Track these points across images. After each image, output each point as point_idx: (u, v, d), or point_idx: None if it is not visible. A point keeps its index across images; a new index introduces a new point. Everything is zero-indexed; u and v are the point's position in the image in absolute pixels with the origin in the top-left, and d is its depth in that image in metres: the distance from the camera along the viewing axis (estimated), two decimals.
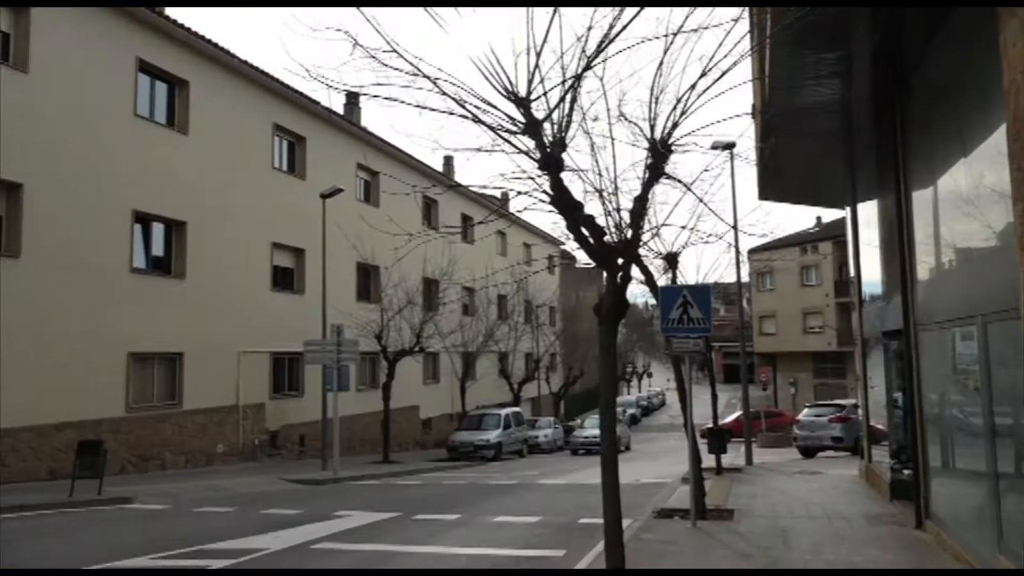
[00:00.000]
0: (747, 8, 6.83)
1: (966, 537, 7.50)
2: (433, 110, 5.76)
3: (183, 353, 19.50)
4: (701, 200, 8.78)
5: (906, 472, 10.52)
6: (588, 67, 5.74)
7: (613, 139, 7.06)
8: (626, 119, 7.06)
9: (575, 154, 11.90)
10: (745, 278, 34.61)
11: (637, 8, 5.57)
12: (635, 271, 10.33)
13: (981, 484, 6.72)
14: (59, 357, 16.01)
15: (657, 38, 5.94)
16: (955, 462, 8.15)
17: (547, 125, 5.82)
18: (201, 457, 19.98)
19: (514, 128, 5.78)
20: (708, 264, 56.72)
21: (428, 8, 5.33)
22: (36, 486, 14.54)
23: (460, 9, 5.51)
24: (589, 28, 5.66)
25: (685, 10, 5.88)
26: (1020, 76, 4.63)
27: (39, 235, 15.80)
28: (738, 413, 34.76)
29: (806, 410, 25.35)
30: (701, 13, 5.85)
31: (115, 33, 17.79)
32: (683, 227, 11.22)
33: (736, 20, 6.02)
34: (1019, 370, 5.13)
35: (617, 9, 5.56)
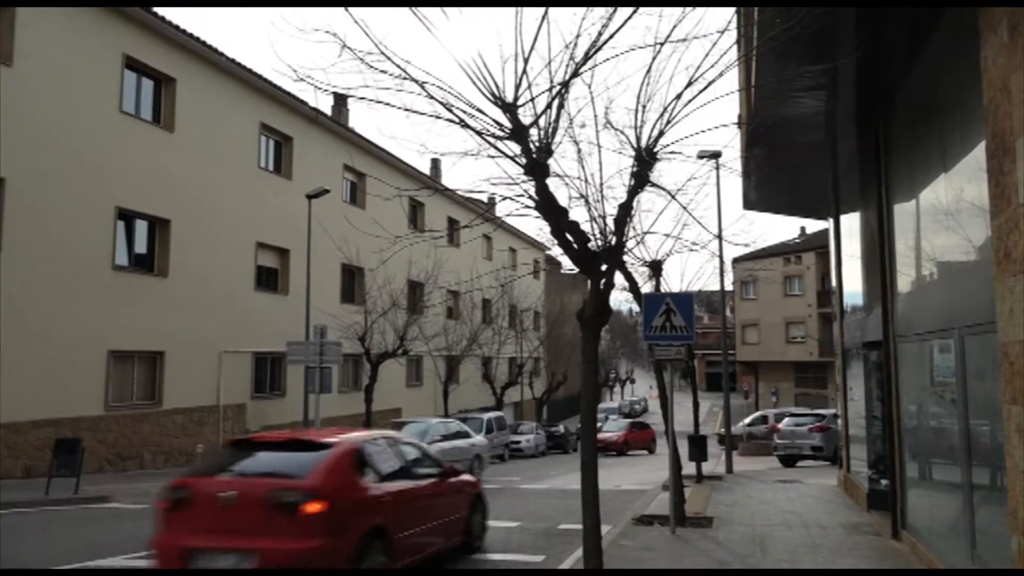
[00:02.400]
0: (734, 19, 6.89)
1: (941, 547, 7.57)
2: (420, 114, 5.77)
3: (164, 352, 19.35)
4: (685, 208, 8.85)
5: (883, 482, 10.61)
6: (576, 74, 5.76)
7: (599, 146, 7.10)
8: (612, 126, 7.11)
9: (561, 160, 11.91)
10: (729, 287, 34.80)
11: (627, 15, 5.60)
12: (619, 278, 10.38)
13: (956, 495, 6.79)
14: (38, 353, 15.84)
15: (645, 47, 5.98)
16: (931, 473, 8.23)
17: (534, 131, 5.84)
18: (180, 457, 19.81)
19: (501, 133, 5.79)
20: (692, 272, 57.18)
21: (416, 10, 5.33)
22: (11, 484, 14.37)
23: (448, 12, 5.53)
24: (577, 36, 5.69)
25: (673, 19, 5.93)
26: (1000, 93, 4.70)
27: (21, 230, 15.64)
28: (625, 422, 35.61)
29: (786, 419, 25.51)
30: (689, 23, 5.92)
31: (102, 29, 17.67)
32: (667, 235, 11.29)
33: (723, 31, 6.07)
34: (995, 383, 5.19)
35: (605, 17, 5.60)
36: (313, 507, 6.25)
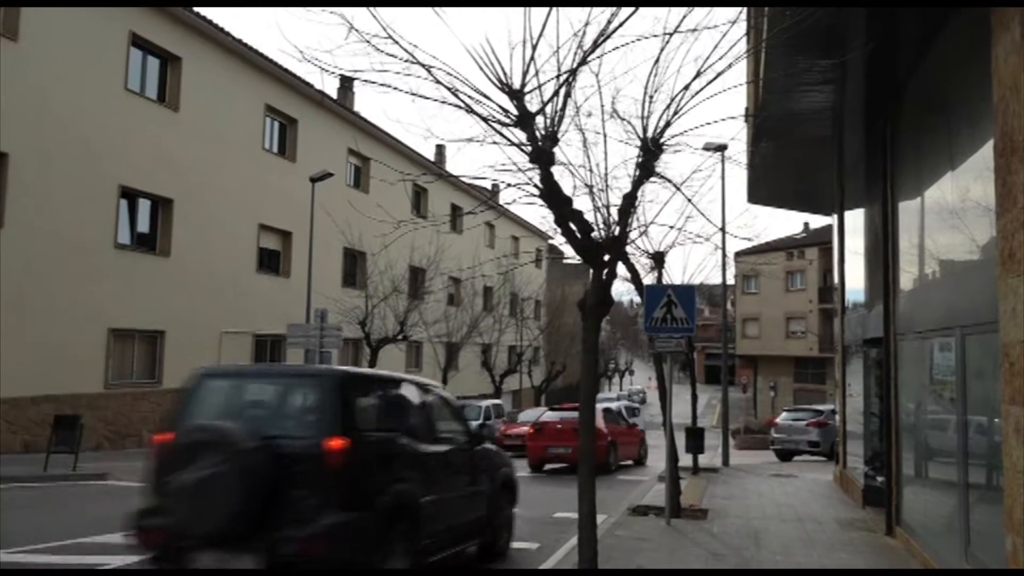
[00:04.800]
0: (744, 10, 6.85)
1: (935, 545, 7.60)
2: (426, 98, 5.73)
3: (165, 331, 19.38)
4: (690, 200, 8.78)
5: (879, 479, 10.63)
6: (584, 62, 5.72)
7: (605, 136, 7.06)
8: (619, 116, 7.06)
9: (567, 149, 11.88)
10: (730, 280, 34.76)
11: (634, 7, 5.56)
12: (621, 268, 10.34)
13: (952, 493, 6.80)
14: (39, 330, 15.87)
15: (654, 36, 5.93)
16: (927, 471, 8.25)
17: (540, 119, 5.80)
18: None
19: (507, 120, 5.76)
20: (694, 265, 57.08)
21: None
22: (10, 459, 14.42)
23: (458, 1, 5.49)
24: (586, 24, 5.64)
25: (683, 10, 5.88)
26: (1010, 91, 4.67)
27: (23, 206, 15.63)
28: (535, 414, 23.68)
29: (784, 414, 25.56)
30: (699, 13, 5.86)
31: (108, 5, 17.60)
32: (671, 227, 11.27)
33: (733, 22, 6.03)
34: (994, 382, 5.19)
35: (615, 6, 5.55)
36: None
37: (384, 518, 5.79)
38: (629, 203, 6.51)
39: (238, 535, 5.20)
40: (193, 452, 5.29)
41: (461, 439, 7.61)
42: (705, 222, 26.38)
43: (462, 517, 7.19)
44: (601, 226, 6.81)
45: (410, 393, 7.09)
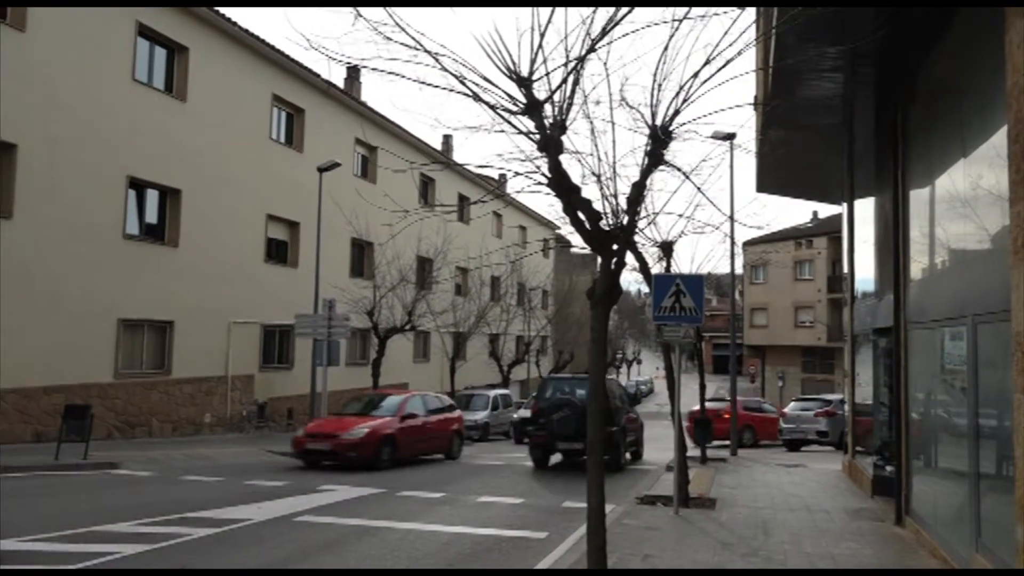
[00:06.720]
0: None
1: (944, 534, 7.57)
2: (434, 86, 5.70)
3: (173, 321, 19.46)
4: (699, 189, 8.74)
5: (888, 469, 10.60)
6: (592, 49, 5.68)
7: (614, 124, 7.00)
8: (628, 104, 7.00)
9: (575, 137, 11.78)
10: (739, 270, 34.67)
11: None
12: (629, 258, 10.31)
13: (962, 483, 6.77)
14: (49, 320, 15.95)
15: (663, 23, 5.88)
16: (937, 460, 8.21)
17: (548, 106, 5.76)
18: (188, 426, 19.99)
19: (514, 108, 5.72)
20: (703, 254, 56.76)
21: None
22: (22, 448, 14.54)
23: None
24: (594, 10, 5.59)
25: None
26: None
27: (32, 197, 15.68)
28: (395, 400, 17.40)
29: (793, 403, 25.54)
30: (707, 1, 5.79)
31: None
32: (680, 215, 11.21)
33: (743, 8, 5.96)
34: (1006, 372, 5.15)
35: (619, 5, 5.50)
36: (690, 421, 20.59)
37: (621, 431, 15.50)
38: (638, 192, 6.47)
39: (576, 437, 14.05)
40: (559, 406, 14.73)
41: (628, 404, 17.42)
42: (714, 211, 26.31)
43: (631, 438, 16.88)
44: (609, 215, 6.78)
45: (617, 383, 17.84)
